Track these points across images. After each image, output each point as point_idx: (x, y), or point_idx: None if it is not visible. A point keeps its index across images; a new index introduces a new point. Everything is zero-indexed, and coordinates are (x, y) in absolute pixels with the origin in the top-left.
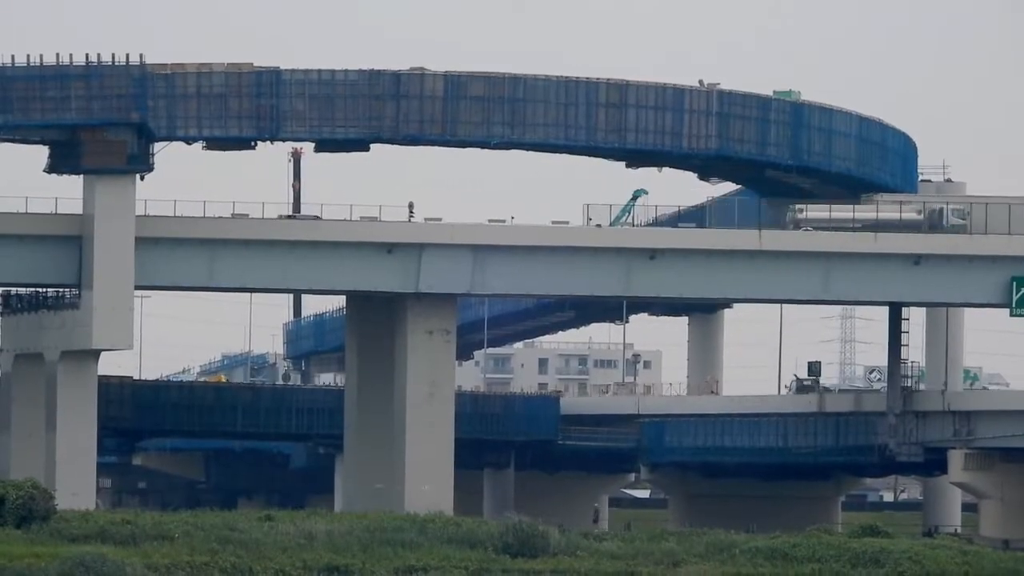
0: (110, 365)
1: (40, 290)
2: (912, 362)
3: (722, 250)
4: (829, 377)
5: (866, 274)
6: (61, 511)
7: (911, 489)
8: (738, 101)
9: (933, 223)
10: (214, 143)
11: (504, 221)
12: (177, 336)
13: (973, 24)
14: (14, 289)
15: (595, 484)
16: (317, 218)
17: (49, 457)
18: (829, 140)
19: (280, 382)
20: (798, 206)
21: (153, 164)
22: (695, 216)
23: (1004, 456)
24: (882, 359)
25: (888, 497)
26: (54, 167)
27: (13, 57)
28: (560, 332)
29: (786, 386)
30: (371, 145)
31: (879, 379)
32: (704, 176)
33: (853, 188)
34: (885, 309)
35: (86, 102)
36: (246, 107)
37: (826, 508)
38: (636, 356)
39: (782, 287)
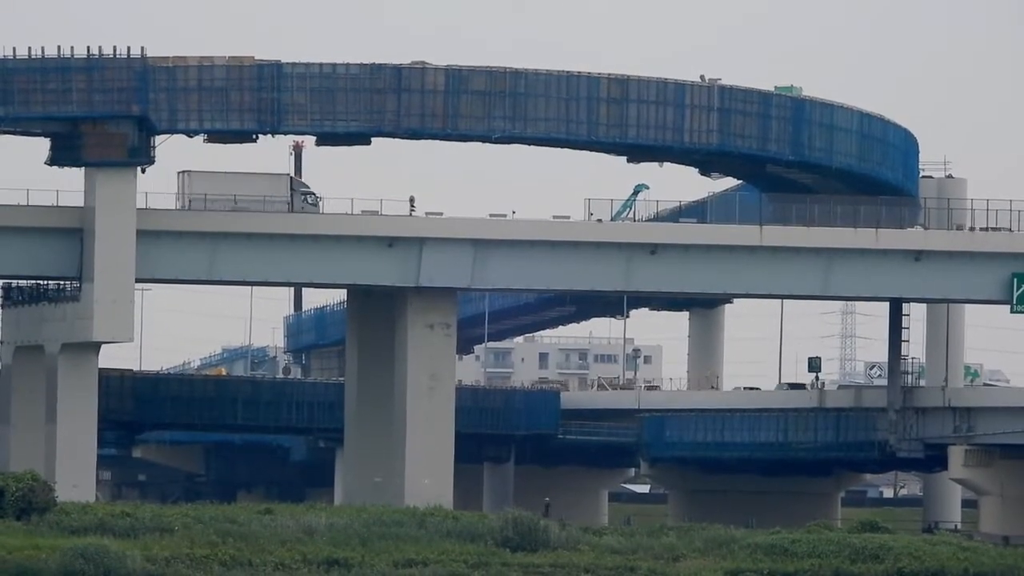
0: (110, 358)
1: (41, 282)
2: (912, 358)
3: (723, 245)
4: (830, 373)
5: (867, 270)
6: (61, 503)
7: (911, 485)
8: (739, 96)
9: None
10: (215, 136)
11: (505, 215)
12: (178, 329)
13: (975, 19)
14: (15, 281)
15: (595, 479)
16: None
17: (49, 449)
18: (830, 136)
19: (281, 375)
20: None
21: (154, 157)
22: (696, 211)
23: (1004, 452)
24: (882, 355)
25: (888, 493)
26: (55, 159)
27: (15, 49)
28: (560, 326)
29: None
30: (372, 139)
31: (879, 375)
32: (705, 171)
33: (854, 184)
34: (886, 305)
35: (87, 95)
36: (247, 100)
37: (826, 504)
38: (636, 351)
39: (783, 282)
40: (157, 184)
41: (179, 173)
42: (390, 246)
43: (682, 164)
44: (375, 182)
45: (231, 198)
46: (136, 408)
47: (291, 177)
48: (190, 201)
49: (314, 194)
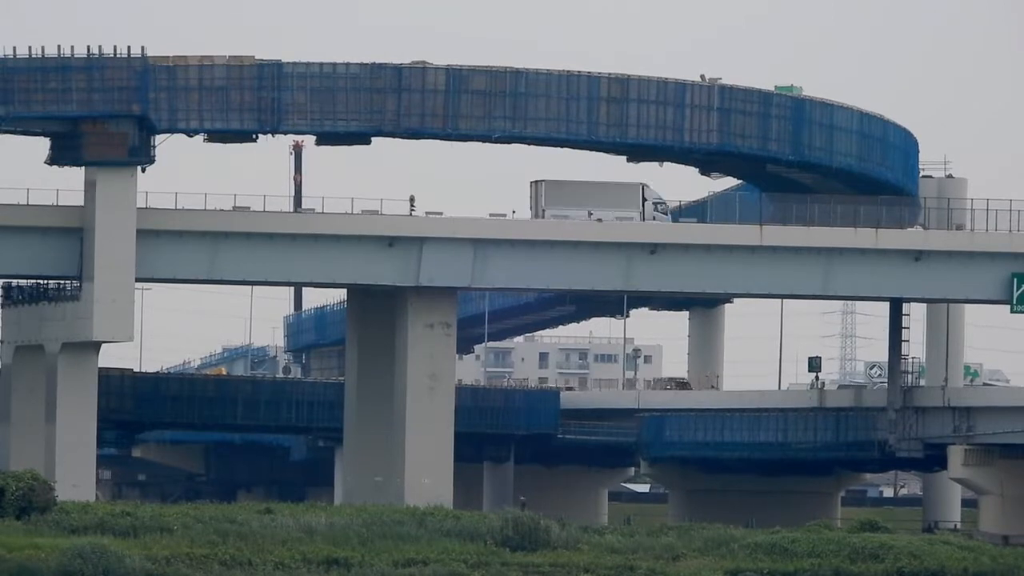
0: (110, 357)
1: (41, 282)
2: (912, 358)
3: (723, 245)
4: (830, 373)
5: (867, 270)
6: (61, 502)
7: (911, 485)
8: (739, 96)
9: None
10: (215, 136)
11: (505, 215)
12: (178, 329)
13: (975, 19)
14: (15, 281)
15: (595, 478)
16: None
17: (49, 449)
18: (830, 135)
19: (280, 375)
20: None
21: (154, 156)
22: (696, 211)
23: (1004, 452)
24: (882, 355)
25: (888, 493)
26: (55, 159)
27: (15, 49)
28: (560, 326)
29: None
30: (372, 138)
31: (879, 375)
32: (705, 171)
33: (854, 184)
34: (886, 305)
35: (87, 94)
36: (247, 100)
37: (826, 503)
38: (636, 350)
39: (783, 282)
40: (157, 184)
41: (532, 183)
42: (390, 245)
43: (682, 164)
44: (375, 182)
45: (586, 210)
46: (136, 407)
47: (643, 185)
48: (543, 211)
49: (665, 202)
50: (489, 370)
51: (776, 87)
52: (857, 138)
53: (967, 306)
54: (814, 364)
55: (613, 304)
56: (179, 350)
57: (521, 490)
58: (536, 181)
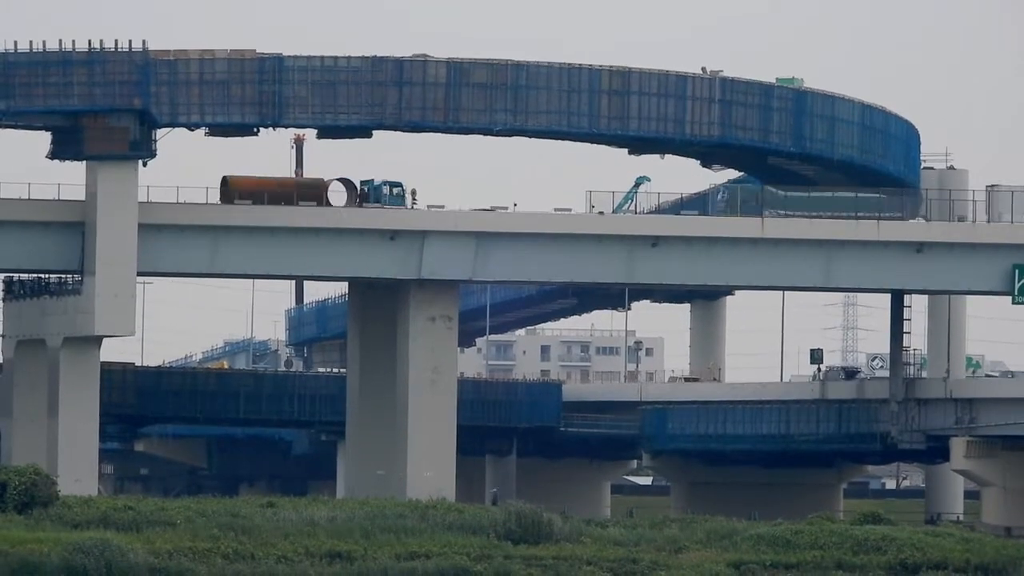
0: (112, 351)
1: (42, 276)
2: (914, 350)
3: (724, 237)
4: (832, 365)
5: (868, 262)
6: (63, 497)
7: (913, 477)
8: (741, 88)
9: None
10: (216, 129)
11: (506, 208)
12: (179, 323)
13: (977, 10)
14: (16, 275)
15: (597, 471)
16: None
17: (51, 443)
18: (832, 127)
19: (282, 369)
20: None
21: (155, 150)
22: (697, 203)
23: (1006, 444)
24: (884, 346)
25: (890, 485)
26: (56, 153)
27: (16, 43)
28: (562, 319)
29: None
30: (373, 132)
31: (881, 366)
32: (706, 163)
33: (855, 175)
34: (887, 297)
35: (88, 88)
36: (249, 93)
37: (828, 495)
38: (638, 343)
39: (784, 274)
40: (158, 177)
41: (987, 187)
42: (392, 239)
43: (683, 156)
44: (376, 175)
45: None
46: (138, 402)
47: None
48: (1000, 214)
49: None
50: (491, 363)
51: (777, 79)
52: (859, 130)
53: (968, 298)
54: (816, 356)
55: (615, 297)
56: (181, 344)
57: (523, 483)
58: (991, 186)
